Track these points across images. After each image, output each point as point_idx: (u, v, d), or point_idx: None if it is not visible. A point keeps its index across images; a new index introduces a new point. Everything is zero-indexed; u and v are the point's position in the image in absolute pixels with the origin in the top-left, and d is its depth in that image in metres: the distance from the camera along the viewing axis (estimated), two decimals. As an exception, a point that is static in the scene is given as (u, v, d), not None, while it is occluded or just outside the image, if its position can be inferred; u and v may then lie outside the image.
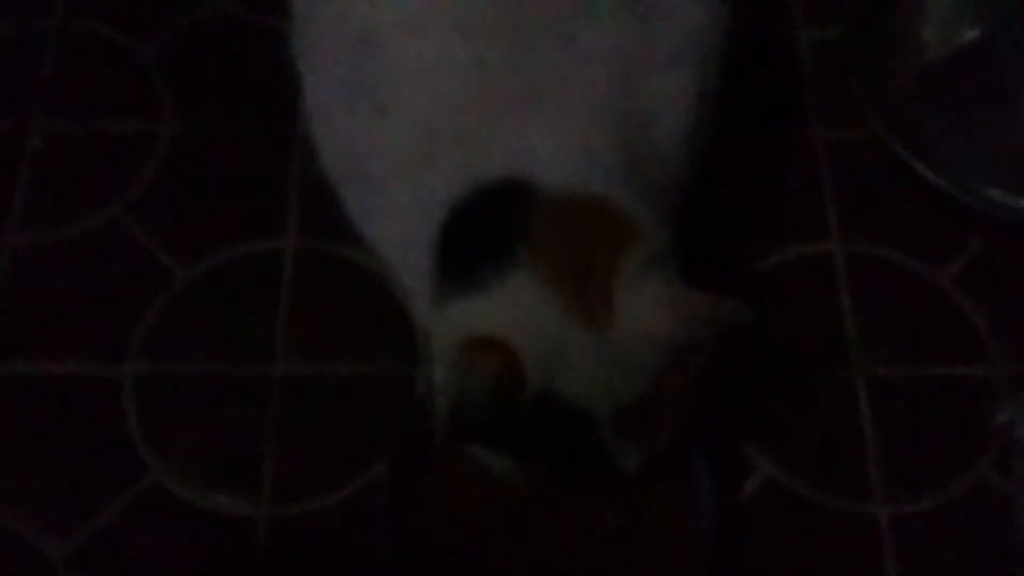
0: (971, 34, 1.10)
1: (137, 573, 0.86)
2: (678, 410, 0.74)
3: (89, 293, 0.98)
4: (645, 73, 0.79)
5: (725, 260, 0.98)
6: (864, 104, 1.03)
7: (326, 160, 0.87)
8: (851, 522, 0.90)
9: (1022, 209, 1.02)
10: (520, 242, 0.72)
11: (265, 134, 1.05)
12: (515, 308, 0.71)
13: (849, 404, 0.95)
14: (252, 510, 0.89)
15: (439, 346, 0.75)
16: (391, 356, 0.95)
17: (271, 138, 1.05)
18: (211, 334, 0.96)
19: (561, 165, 0.74)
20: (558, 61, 0.76)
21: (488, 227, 0.73)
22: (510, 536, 0.84)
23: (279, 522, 0.88)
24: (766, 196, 1.05)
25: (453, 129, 0.76)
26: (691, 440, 0.83)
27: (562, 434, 0.72)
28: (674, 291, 0.72)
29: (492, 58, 0.76)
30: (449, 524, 0.84)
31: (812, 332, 0.98)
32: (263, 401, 0.93)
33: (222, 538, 0.88)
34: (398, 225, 0.80)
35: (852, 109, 1.06)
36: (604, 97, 0.77)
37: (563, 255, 0.72)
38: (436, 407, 0.75)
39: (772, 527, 0.90)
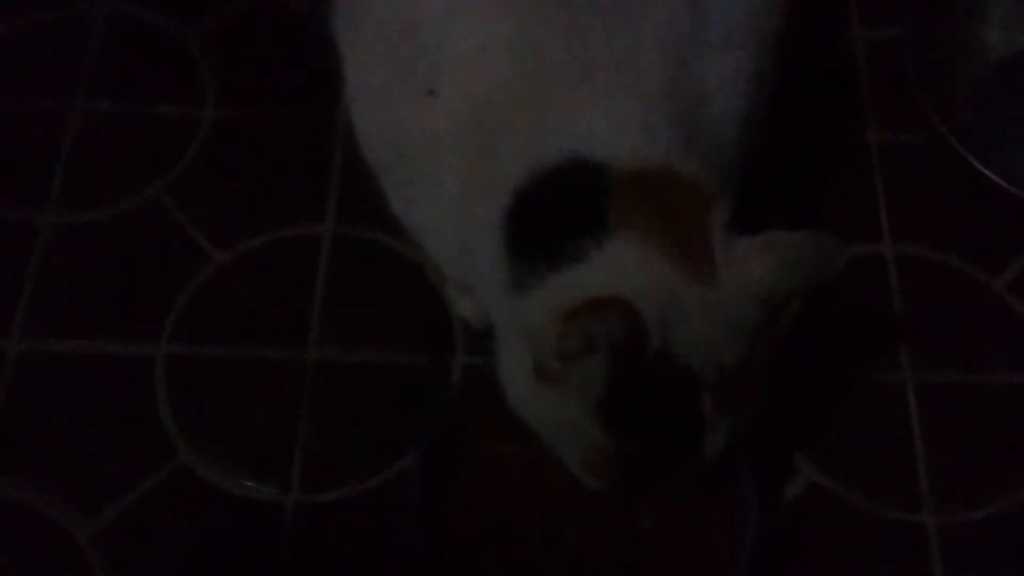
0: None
1: (162, 555, 0.85)
2: (761, 382, 0.72)
3: (125, 273, 0.97)
4: (698, 54, 0.77)
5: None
6: (922, 105, 1.00)
7: (367, 147, 0.85)
8: (898, 530, 0.87)
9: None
10: (610, 208, 0.70)
11: (306, 120, 1.05)
12: (623, 268, 0.69)
13: (898, 410, 0.92)
14: (280, 496, 0.87)
15: (527, 329, 0.71)
16: (426, 345, 0.93)
17: (312, 124, 1.04)
18: (245, 318, 0.95)
19: (621, 142, 0.72)
20: (610, 40, 0.74)
21: (567, 202, 0.71)
22: (543, 531, 0.81)
23: (307, 509, 0.87)
24: (818, 196, 1.02)
25: (506, 110, 0.74)
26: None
27: (666, 406, 0.70)
28: (768, 235, 0.71)
29: (544, 37, 0.74)
30: (481, 517, 0.82)
31: (861, 335, 0.96)
32: (295, 387, 0.92)
33: (249, 523, 0.86)
34: (447, 212, 0.78)
35: (907, 110, 1.03)
36: (659, 76, 0.75)
37: (654, 216, 0.70)
38: (505, 390, 0.74)
39: (814, 533, 0.87)
